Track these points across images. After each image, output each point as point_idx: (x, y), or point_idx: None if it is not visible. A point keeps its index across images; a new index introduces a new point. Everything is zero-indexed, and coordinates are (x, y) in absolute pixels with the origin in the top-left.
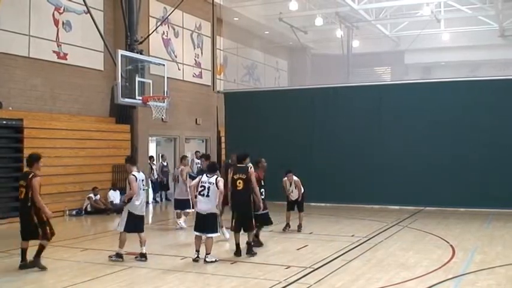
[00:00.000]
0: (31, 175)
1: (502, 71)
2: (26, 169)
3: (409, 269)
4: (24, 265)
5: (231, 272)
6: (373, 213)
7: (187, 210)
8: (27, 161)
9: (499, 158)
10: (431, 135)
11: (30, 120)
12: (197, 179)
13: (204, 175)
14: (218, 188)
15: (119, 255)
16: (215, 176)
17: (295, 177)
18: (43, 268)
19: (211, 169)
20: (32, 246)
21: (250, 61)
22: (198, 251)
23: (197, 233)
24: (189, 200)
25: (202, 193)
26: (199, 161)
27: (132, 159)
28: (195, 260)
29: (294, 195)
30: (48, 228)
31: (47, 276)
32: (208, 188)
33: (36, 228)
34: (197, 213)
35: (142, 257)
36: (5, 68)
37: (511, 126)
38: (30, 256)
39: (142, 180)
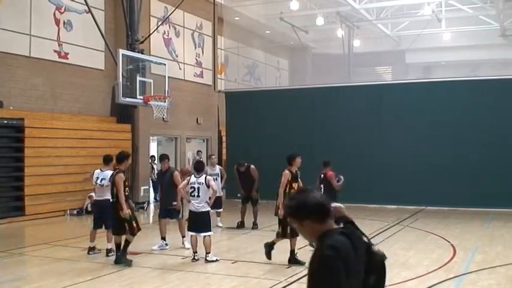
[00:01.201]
0: (116, 171)
1: (503, 71)
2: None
3: (410, 268)
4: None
5: (232, 271)
6: (374, 212)
7: (218, 210)
8: (116, 158)
9: (499, 158)
10: (431, 134)
11: (31, 119)
12: (185, 181)
13: (192, 175)
14: (210, 187)
15: (108, 250)
16: (203, 176)
17: None
18: (129, 264)
19: (198, 169)
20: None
21: (251, 61)
22: (195, 252)
23: (192, 233)
24: (220, 197)
25: (192, 194)
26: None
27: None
28: (193, 261)
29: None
30: (134, 223)
31: (47, 275)
32: (198, 188)
33: (122, 222)
34: (190, 212)
35: (108, 252)
36: (6, 68)
37: None
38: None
39: (102, 179)
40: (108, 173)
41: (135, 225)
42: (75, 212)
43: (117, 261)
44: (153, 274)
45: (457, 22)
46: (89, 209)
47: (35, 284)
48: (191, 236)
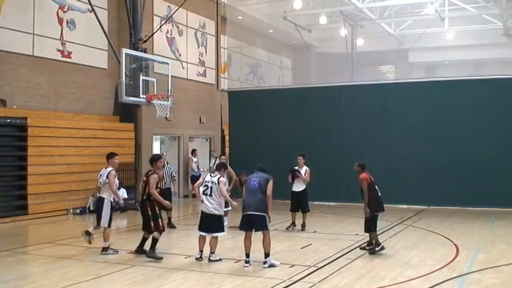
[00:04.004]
0: (150, 172)
1: (506, 70)
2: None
3: (413, 267)
4: (139, 250)
5: (235, 270)
6: None
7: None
8: (149, 161)
9: (502, 157)
10: (434, 134)
11: (34, 118)
12: (201, 179)
13: (208, 174)
14: (218, 186)
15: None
16: (218, 176)
17: (306, 167)
18: (159, 258)
19: (218, 168)
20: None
21: (254, 60)
22: (201, 251)
23: (202, 233)
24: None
25: (205, 192)
26: (195, 159)
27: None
28: (198, 260)
29: (298, 185)
30: (160, 221)
31: (50, 274)
32: (211, 187)
33: (149, 221)
34: (202, 212)
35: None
36: (9, 67)
37: None
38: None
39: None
40: (104, 171)
41: (161, 223)
42: (78, 211)
43: (148, 256)
44: (156, 273)
45: (460, 21)
46: (92, 208)
47: (38, 282)
48: (200, 235)
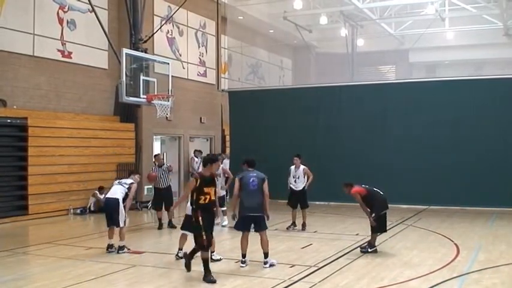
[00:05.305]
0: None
1: (507, 70)
2: None
3: (414, 267)
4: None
5: (235, 270)
6: None
7: (222, 209)
8: (204, 160)
9: (502, 157)
10: (435, 134)
11: (35, 118)
12: None
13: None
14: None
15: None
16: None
17: (302, 166)
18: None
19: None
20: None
21: (254, 60)
22: (181, 249)
23: (185, 232)
24: (223, 197)
25: None
26: (197, 159)
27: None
28: (178, 258)
29: (298, 185)
30: (200, 236)
31: (51, 274)
32: None
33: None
34: (186, 215)
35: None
36: (9, 67)
37: None
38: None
39: (124, 183)
40: (127, 180)
41: (204, 237)
42: (78, 211)
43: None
44: (157, 273)
45: (460, 21)
46: (92, 208)
47: (38, 283)
48: (182, 234)
